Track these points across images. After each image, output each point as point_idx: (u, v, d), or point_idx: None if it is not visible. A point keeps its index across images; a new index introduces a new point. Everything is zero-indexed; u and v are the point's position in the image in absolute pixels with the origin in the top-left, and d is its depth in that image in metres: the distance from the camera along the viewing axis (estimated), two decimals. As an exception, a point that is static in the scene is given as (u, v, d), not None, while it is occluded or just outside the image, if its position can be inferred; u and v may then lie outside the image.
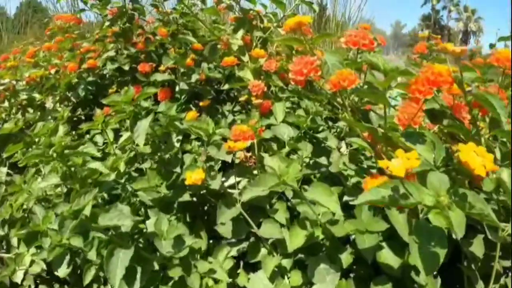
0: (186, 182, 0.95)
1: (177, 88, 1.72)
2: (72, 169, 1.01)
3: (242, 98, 1.54)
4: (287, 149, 1.19)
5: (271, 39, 1.67)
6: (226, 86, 1.59)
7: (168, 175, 1.08)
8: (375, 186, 0.66)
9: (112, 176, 1.13)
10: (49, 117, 1.90)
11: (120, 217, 0.89)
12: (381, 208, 0.93)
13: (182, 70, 1.75)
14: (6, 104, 1.99)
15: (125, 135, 1.21)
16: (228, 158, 1.06)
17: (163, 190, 1.05)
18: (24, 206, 1.43)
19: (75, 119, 1.95)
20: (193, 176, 0.95)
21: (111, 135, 1.51)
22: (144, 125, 0.99)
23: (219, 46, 1.62)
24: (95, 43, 2.04)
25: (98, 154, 0.97)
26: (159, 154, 1.13)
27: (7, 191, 1.52)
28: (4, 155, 1.43)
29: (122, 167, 1.16)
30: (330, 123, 1.56)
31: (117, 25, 1.98)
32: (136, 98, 1.02)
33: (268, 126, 1.30)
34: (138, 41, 1.96)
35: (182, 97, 1.70)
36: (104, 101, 1.05)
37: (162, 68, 1.75)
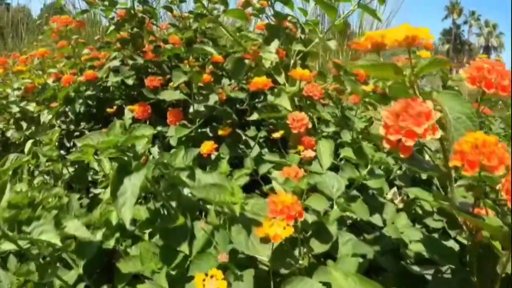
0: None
1: (191, 109, 1.37)
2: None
3: (276, 135, 1.11)
4: (336, 213, 0.82)
5: (313, 54, 1.31)
6: (254, 117, 1.17)
7: (170, 255, 0.71)
8: None
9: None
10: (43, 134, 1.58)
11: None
12: None
13: (198, 86, 1.40)
14: (-3, 117, 1.68)
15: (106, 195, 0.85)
16: (264, 253, 0.64)
17: (162, 281, 0.68)
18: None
19: (77, 133, 1.62)
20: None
21: (108, 165, 1.16)
22: (134, 185, 0.62)
23: (247, 61, 1.24)
24: (100, 50, 1.72)
25: (58, 242, 0.60)
26: (158, 222, 0.76)
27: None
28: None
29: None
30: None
31: (125, 30, 1.65)
32: (124, 141, 0.66)
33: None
34: (147, 50, 1.62)
35: (197, 121, 1.35)
36: (78, 144, 0.70)
37: (172, 84, 1.40)
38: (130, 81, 1.39)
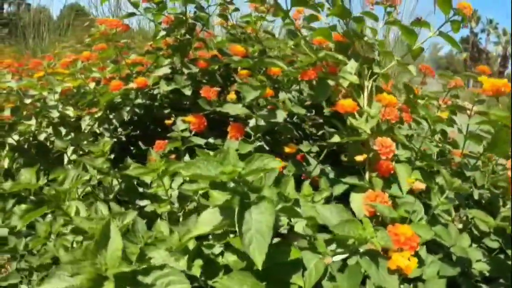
0: None
1: (251, 123, 1.25)
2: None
3: (359, 158, 1.03)
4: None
5: (385, 76, 1.20)
6: (336, 139, 1.07)
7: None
8: None
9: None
10: (84, 142, 1.46)
11: None
12: None
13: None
14: (33, 121, 1.57)
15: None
16: (394, 285, 0.59)
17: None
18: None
19: (123, 139, 1.50)
20: None
21: (167, 182, 1.05)
22: (258, 222, 0.49)
23: (330, 82, 1.14)
24: (145, 56, 1.61)
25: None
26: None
27: None
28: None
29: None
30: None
31: (173, 36, 1.54)
32: (247, 173, 0.53)
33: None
34: (197, 58, 1.51)
35: (257, 136, 1.24)
36: (185, 172, 0.57)
37: (232, 96, 1.29)
38: (187, 91, 1.28)
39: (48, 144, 1.67)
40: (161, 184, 1.07)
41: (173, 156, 1.25)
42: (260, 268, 0.53)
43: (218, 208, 0.65)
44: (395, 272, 0.63)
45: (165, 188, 1.02)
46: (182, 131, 1.22)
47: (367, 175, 1.07)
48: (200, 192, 1.04)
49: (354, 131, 1.14)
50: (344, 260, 0.67)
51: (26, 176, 0.79)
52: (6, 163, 1.66)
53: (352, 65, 1.17)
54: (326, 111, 1.38)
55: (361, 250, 0.66)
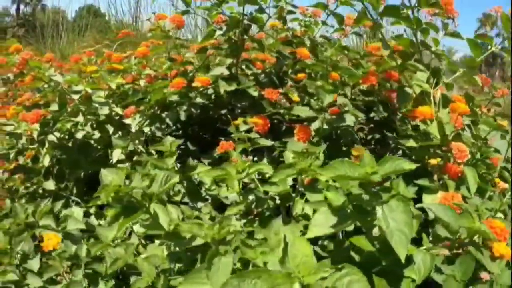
0: None
1: (314, 125, 1.21)
2: None
3: (433, 161, 1.04)
4: None
5: (449, 85, 1.19)
6: (411, 143, 1.09)
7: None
8: None
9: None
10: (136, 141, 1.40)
11: None
12: None
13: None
14: (80, 118, 1.51)
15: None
16: (497, 269, 0.70)
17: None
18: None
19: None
20: None
21: (236, 184, 1.00)
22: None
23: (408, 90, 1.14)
24: (197, 54, 1.56)
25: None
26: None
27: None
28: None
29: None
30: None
31: (227, 36, 1.50)
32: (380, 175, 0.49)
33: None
34: (254, 58, 1.47)
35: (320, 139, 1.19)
36: (323, 175, 0.53)
37: (295, 98, 1.24)
38: (253, 92, 1.23)
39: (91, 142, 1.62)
40: (220, 186, 1.03)
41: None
42: (403, 261, 0.59)
43: (330, 209, 0.64)
44: (497, 259, 0.71)
45: (237, 190, 0.97)
46: (246, 131, 1.17)
47: (435, 177, 1.08)
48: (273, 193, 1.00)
49: (425, 136, 1.13)
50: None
51: (114, 178, 0.74)
52: (46, 161, 1.60)
53: (422, 74, 1.19)
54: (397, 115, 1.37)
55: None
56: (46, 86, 1.57)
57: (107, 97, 1.61)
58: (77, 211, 1.22)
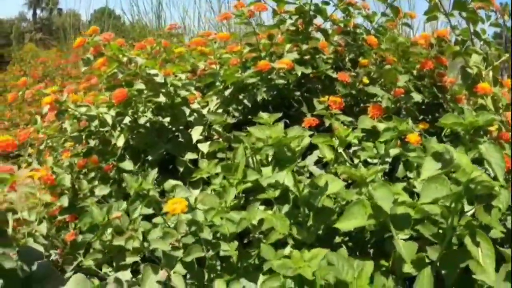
0: None
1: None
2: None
3: (492, 128, 1.21)
4: None
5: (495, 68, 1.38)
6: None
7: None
8: None
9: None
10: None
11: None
12: None
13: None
14: (162, 98, 1.63)
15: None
16: None
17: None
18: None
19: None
20: None
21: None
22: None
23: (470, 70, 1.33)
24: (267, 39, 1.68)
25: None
26: None
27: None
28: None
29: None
30: None
31: (293, 25, 1.65)
32: None
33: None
34: (318, 45, 1.62)
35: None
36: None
37: (365, 80, 1.41)
38: (333, 74, 1.39)
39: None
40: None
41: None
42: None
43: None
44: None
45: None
46: (325, 109, 1.31)
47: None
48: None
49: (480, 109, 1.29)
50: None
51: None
52: (121, 142, 1.66)
53: (478, 57, 1.38)
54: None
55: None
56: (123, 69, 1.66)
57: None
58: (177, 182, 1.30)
